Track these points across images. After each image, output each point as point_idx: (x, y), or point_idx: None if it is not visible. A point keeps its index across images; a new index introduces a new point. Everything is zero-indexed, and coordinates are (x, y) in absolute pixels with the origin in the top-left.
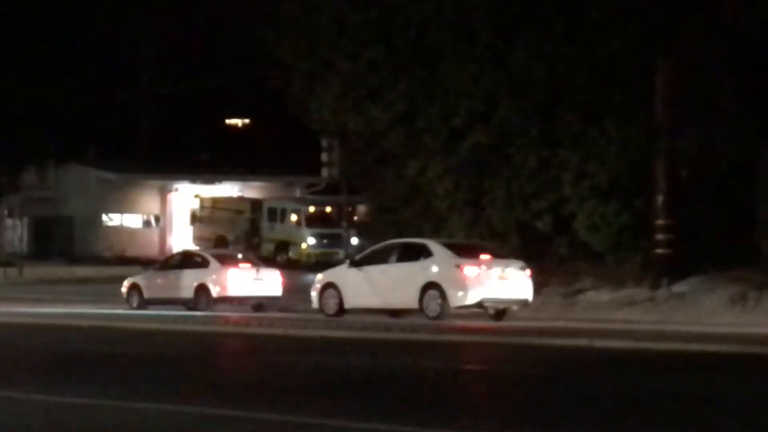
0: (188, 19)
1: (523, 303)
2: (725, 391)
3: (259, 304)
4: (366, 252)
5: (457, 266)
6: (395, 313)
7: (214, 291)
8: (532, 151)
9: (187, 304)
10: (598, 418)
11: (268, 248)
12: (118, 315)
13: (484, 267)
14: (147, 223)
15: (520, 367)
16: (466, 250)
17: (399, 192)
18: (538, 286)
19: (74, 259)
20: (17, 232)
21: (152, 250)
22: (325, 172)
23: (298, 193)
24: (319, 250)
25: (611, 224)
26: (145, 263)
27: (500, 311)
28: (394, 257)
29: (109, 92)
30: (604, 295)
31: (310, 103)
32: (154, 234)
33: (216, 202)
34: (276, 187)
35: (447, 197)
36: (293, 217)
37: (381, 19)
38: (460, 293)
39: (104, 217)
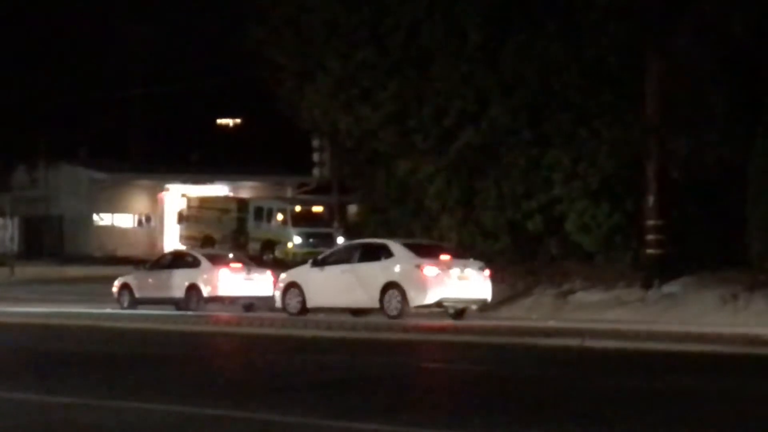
0: (179, 19)
1: (482, 302)
2: (715, 391)
3: (250, 304)
4: (328, 252)
5: (417, 266)
6: (357, 312)
7: (205, 291)
8: (522, 152)
9: (177, 303)
10: (589, 417)
11: (254, 247)
12: (109, 314)
13: (443, 267)
14: (139, 223)
15: (511, 367)
16: (426, 251)
17: (390, 192)
18: (530, 286)
19: (65, 259)
20: (8, 232)
21: (143, 250)
22: (316, 171)
23: (289, 192)
24: (305, 249)
25: (602, 225)
26: (136, 263)
27: (459, 311)
28: (355, 257)
29: (100, 92)
30: (594, 296)
31: (301, 103)
32: (146, 234)
33: (203, 202)
34: (267, 187)
35: (438, 197)
36: (279, 217)
37: (372, 20)
38: (420, 293)
39: (95, 216)
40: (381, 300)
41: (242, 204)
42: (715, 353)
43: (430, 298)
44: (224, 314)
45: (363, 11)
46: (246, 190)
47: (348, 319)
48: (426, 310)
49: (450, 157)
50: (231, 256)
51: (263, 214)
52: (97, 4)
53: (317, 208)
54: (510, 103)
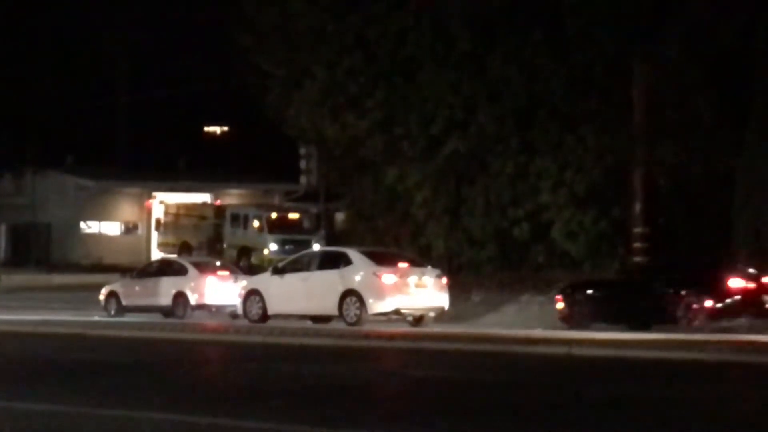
0: (166, 26)
1: (439, 310)
2: (701, 397)
3: (236, 311)
4: (288, 260)
5: (375, 274)
6: (316, 319)
7: (192, 299)
8: (509, 159)
9: (164, 311)
10: (572, 424)
11: (230, 254)
12: (96, 322)
13: (401, 275)
14: (126, 231)
15: (504, 376)
16: (385, 258)
17: (377, 199)
18: (516, 294)
19: (52, 267)
20: None
21: (130, 258)
22: (303, 179)
23: (276, 200)
24: (281, 256)
25: (589, 232)
26: (123, 271)
27: (418, 318)
28: (315, 265)
29: (87, 99)
30: None
31: (289, 110)
32: (133, 241)
33: (179, 208)
34: (254, 195)
35: (425, 205)
36: (255, 223)
37: (359, 27)
38: (378, 300)
39: (82, 224)
40: (340, 307)
41: (219, 211)
42: (704, 360)
43: (388, 305)
44: (211, 322)
45: (350, 18)
46: (233, 197)
47: (335, 326)
48: (384, 318)
49: (437, 165)
50: (218, 263)
51: (240, 221)
52: (84, 12)
53: (293, 215)
54: (497, 111)
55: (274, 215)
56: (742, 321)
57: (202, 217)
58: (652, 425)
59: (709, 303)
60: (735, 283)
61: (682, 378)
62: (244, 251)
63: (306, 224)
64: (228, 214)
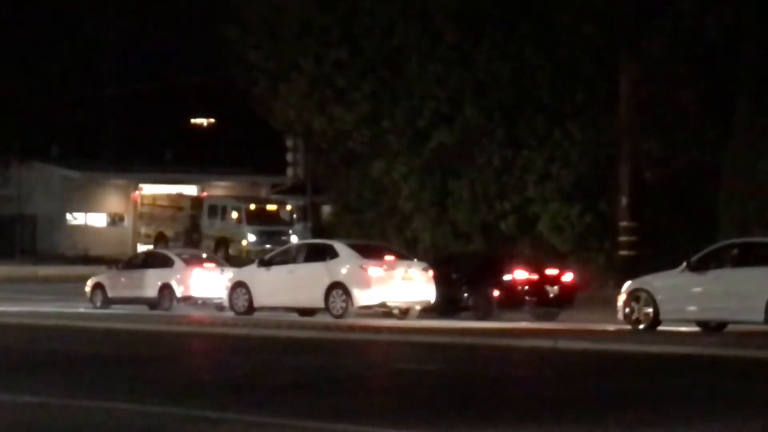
0: (152, 17)
1: (426, 303)
2: (686, 390)
3: (223, 304)
4: (274, 252)
5: (361, 267)
6: (302, 311)
7: (178, 291)
8: (496, 152)
9: (150, 303)
10: (561, 418)
11: (208, 245)
12: (81, 314)
13: (387, 268)
14: (112, 222)
15: (479, 368)
16: (371, 251)
17: (364, 192)
18: None
19: (37, 258)
20: None
21: (116, 249)
22: (290, 171)
23: (263, 192)
24: (259, 247)
25: (575, 225)
26: (109, 262)
27: (404, 311)
28: (301, 257)
29: (73, 90)
30: None
31: (275, 102)
32: (118, 233)
33: (156, 199)
34: (241, 187)
35: (412, 198)
36: (234, 215)
37: (346, 20)
38: (364, 293)
39: (68, 215)
40: (326, 300)
41: (195, 202)
42: (691, 354)
43: (374, 298)
44: (197, 314)
45: (337, 11)
46: (219, 189)
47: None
48: (369, 311)
49: (424, 158)
50: (204, 255)
51: (217, 212)
52: (71, 2)
53: (271, 207)
54: (484, 104)
55: (252, 206)
56: (525, 310)
57: (179, 208)
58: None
59: (495, 293)
60: (519, 274)
61: (666, 370)
62: (222, 242)
63: (284, 216)
64: (205, 205)
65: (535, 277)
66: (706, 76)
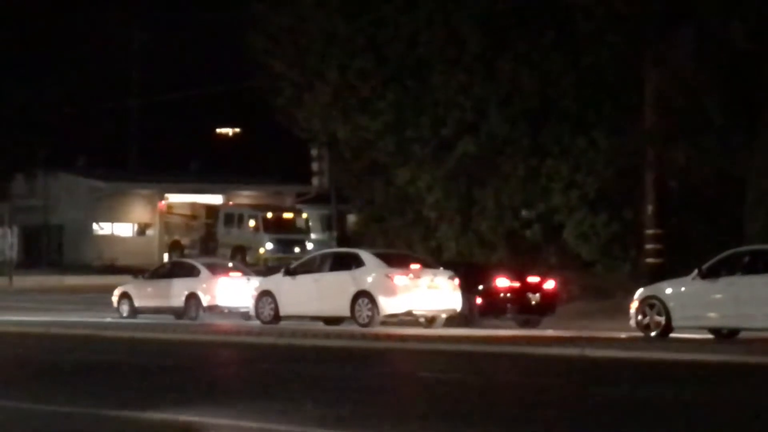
0: (178, 28)
1: (452, 312)
2: (716, 400)
3: (249, 313)
4: (300, 261)
5: (387, 275)
6: (328, 320)
7: (205, 300)
8: (521, 161)
9: (177, 312)
10: (586, 426)
11: (223, 253)
12: (108, 323)
13: (413, 276)
14: (139, 232)
15: (507, 376)
16: (397, 260)
17: (388, 201)
18: None
19: (64, 268)
20: (7, 241)
21: (143, 259)
22: (315, 181)
23: (288, 201)
24: (277, 255)
25: (600, 234)
26: (136, 272)
27: (430, 319)
28: (327, 266)
29: (99, 101)
30: (593, 305)
31: (300, 112)
32: (145, 243)
33: (170, 208)
34: (265, 196)
35: (436, 207)
36: (251, 223)
37: (370, 29)
38: (390, 302)
39: (94, 225)
40: (352, 308)
41: (211, 210)
42: (715, 362)
43: (400, 306)
44: (223, 323)
45: (361, 20)
46: (244, 198)
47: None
48: (395, 320)
49: (448, 167)
50: (230, 264)
51: (234, 221)
52: (96, 13)
53: (288, 215)
54: (508, 113)
55: (269, 215)
56: (507, 317)
57: (194, 217)
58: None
59: (478, 301)
60: (501, 282)
61: (694, 379)
62: (239, 250)
63: (300, 224)
64: (222, 213)
65: (516, 284)
66: (731, 82)
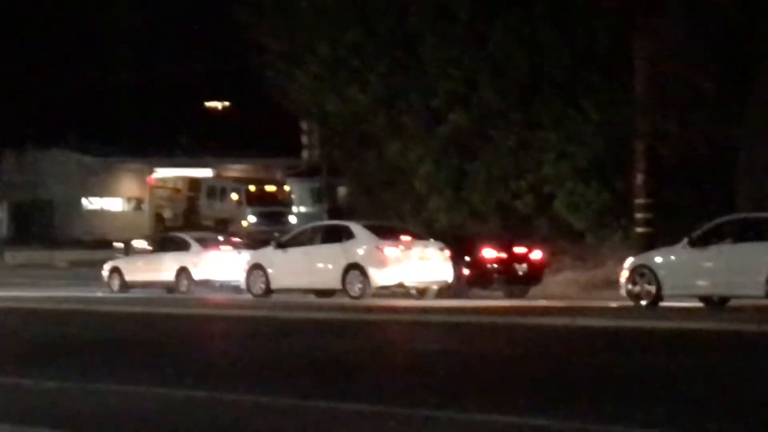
0: (167, 2)
1: (443, 283)
2: (707, 367)
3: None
4: (291, 234)
5: (378, 247)
6: (320, 293)
7: (196, 274)
8: (512, 133)
9: (168, 286)
10: (583, 397)
11: (206, 226)
12: (99, 298)
13: (404, 248)
14: (138, 207)
15: (502, 346)
16: (388, 232)
17: (379, 174)
18: None
19: (54, 243)
20: None
21: (134, 234)
22: (305, 154)
23: (278, 175)
24: (260, 228)
25: (592, 204)
26: (126, 246)
27: (422, 291)
28: (317, 239)
29: (88, 76)
30: (584, 274)
31: (290, 85)
32: (136, 217)
33: (158, 183)
34: (256, 169)
35: (427, 179)
36: (234, 196)
37: (360, 1)
38: (381, 273)
39: (84, 201)
40: (343, 281)
41: (193, 183)
42: (706, 330)
43: (392, 278)
44: (214, 297)
45: None
46: (235, 172)
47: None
48: (387, 291)
49: (439, 139)
50: (221, 238)
51: (216, 194)
52: None
53: (270, 188)
54: (499, 85)
55: (252, 188)
56: (494, 287)
57: (176, 190)
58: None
59: (466, 272)
60: (488, 253)
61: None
62: (221, 223)
63: (283, 197)
64: (204, 186)
65: (503, 255)
66: (723, 53)
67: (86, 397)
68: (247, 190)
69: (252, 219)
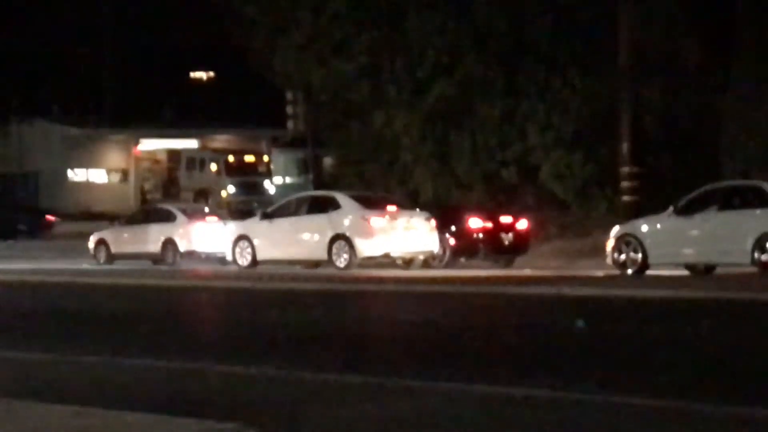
0: None
1: (429, 254)
2: (693, 335)
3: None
4: (276, 204)
5: (364, 218)
6: (306, 264)
7: (182, 245)
8: (496, 103)
9: (154, 258)
10: (566, 366)
11: (186, 197)
12: (85, 270)
13: (390, 218)
14: (124, 179)
15: (488, 315)
16: (374, 202)
17: (364, 144)
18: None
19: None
20: None
21: (119, 205)
22: (290, 124)
23: (264, 146)
24: (239, 198)
25: (576, 173)
26: (111, 218)
27: (408, 261)
28: (303, 209)
29: (72, 47)
30: (571, 244)
31: (274, 56)
32: (121, 189)
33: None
34: (241, 140)
35: (413, 149)
36: (213, 167)
37: None
38: (367, 244)
39: (69, 172)
40: (329, 252)
41: (173, 154)
42: (697, 298)
43: (378, 249)
44: (200, 268)
45: None
46: (220, 142)
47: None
48: (373, 262)
49: (424, 109)
50: (207, 209)
51: (195, 164)
52: None
53: (249, 158)
54: (483, 55)
55: (231, 158)
56: (480, 257)
57: (156, 161)
58: None
59: (451, 241)
60: (474, 223)
61: (672, 316)
62: (201, 194)
63: (261, 167)
64: (184, 157)
65: (489, 225)
66: (706, 21)
67: (75, 369)
68: (226, 161)
69: (231, 189)
